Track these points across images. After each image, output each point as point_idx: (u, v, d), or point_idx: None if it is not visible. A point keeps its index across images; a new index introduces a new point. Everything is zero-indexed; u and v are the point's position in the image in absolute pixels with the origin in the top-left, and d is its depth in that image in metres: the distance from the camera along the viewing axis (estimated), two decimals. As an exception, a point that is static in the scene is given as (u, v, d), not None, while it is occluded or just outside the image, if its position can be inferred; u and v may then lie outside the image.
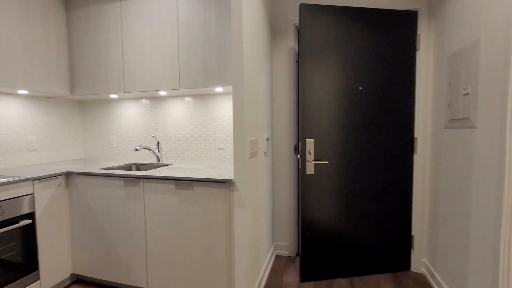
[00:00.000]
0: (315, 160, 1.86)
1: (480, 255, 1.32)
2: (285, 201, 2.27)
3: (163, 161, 2.29)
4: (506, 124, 1.12)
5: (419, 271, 2.01)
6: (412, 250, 2.02)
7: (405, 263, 2.02)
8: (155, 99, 2.35)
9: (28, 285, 1.61)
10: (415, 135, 1.95)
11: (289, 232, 2.28)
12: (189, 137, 2.29)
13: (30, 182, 1.63)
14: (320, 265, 1.93)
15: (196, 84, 1.85)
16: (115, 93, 2.07)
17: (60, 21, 2.09)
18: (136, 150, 2.02)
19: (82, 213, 1.84)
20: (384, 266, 2.00)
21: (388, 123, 1.91)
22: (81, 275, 1.94)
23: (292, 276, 1.97)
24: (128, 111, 2.44)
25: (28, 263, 1.62)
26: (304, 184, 1.87)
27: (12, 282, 1.53)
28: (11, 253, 1.54)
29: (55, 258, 1.78)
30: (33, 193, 1.65)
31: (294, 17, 2.15)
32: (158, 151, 2.27)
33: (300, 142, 1.86)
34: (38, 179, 1.67)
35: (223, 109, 2.18)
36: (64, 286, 1.88)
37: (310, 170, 1.86)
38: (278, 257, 2.26)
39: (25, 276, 1.60)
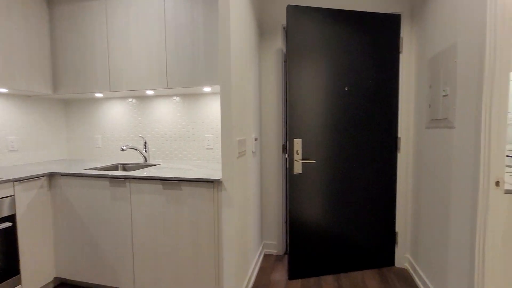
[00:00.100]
0: (302, 159, 1.89)
1: (458, 250, 1.38)
2: (274, 200, 2.29)
3: (151, 161, 2.27)
4: (481, 124, 1.18)
5: (403, 267, 2.08)
6: (396, 246, 2.08)
7: (389, 259, 2.08)
8: (142, 98, 2.32)
9: (8, 290, 1.56)
10: (399, 135, 2.02)
11: (277, 231, 2.30)
12: (177, 137, 2.27)
13: (11, 183, 1.58)
14: (308, 263, 1.96)
15: (184, 83, 1.84)
16: (100, 92, 2.03)
17: (42, 18, 2.03)
18: (123, 150, 1.99)
19: (66, 215, 1.80)
20: (369, 262, 2.05)
21: (373, 123, 1.97)
22: (65, 279, 1.89)
23: (280, 274, 1.99)
24: (114, 110, 2.40)
25: (9, 267, 1.57)
26: (292, 183, 1.89)
27: (-9, 287, 1.48)
28: (-10, 257, 1.49)
29: (37, 262, 1.73)
30: (13, 195, 1.59)
31: (282, 18, 2.17)
32: (145, 151, 2.24)
33: (288, 142, 1.88)
34: (19, 180, 1.62)
35: (212, 109, 2.18)
36: (47, 290, 1.83)
37: (297, 169, 1.88)
38: (266, 256, 2.28)
39: (5, 280, 1.55)
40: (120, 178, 1.66)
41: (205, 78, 1.80)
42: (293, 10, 1.82)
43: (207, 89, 1.95)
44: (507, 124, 1.17)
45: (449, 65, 1.46)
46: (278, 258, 2.25)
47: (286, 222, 2.33)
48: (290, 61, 1.84)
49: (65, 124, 2.54)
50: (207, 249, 1.54)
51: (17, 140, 2.13)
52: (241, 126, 1.65)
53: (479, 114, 1.19)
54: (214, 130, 2.19)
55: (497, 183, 1.16)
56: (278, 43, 2.20)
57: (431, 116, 1.69)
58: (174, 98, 2.25)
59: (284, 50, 2.25)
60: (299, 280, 1.94)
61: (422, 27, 1.83)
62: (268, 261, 2.19)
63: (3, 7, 1.78)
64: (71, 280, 1.88)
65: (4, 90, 1.90)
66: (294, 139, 1.87)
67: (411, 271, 1.98)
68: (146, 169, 1.84)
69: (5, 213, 1.55)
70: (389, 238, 2.06)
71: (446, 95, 1.49)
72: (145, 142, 2.24)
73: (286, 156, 2.24)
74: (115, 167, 2.15)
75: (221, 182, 1.49)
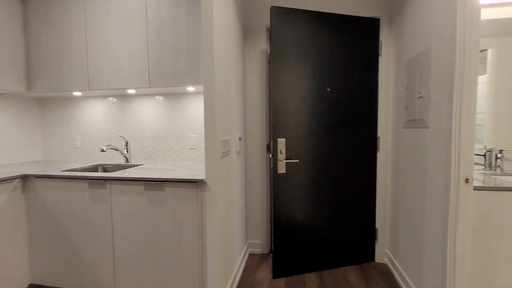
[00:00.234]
0: (286, 159, 1.92)
1: (432, 244, 1.45)
2: (258, 200, 2.31)
3: (132, 162, 2.22)
4: (452, 125, 1.25)
5: (382, 261, 2.16)
6: (376, 242, 2.16)
7: (370, 255, 2.16)
8: (123, 97, 2.26)
9: (-23, 300, 1.48)
10: (378, 135, 2.09)
11: (262, 230, 2.32)
12: (160, 137, 2.23)
13: (-20, 186, 1.49)
14: (292, 261, 1.99)
15: (167, 83, 1.81)
16: (78, 90, 1.96)
17: (15, 11, 1.93)
18: (103, 150, 1.93)
19: (42, 219, 1.72)
20: (351, 258, 2.11)
21: (354, 123, 2.03)
22: (41, 285, 1.81)
23: (265, 273, 2.01)
24: (94, 109, 2.32)
25: (-22, 275, 1.48)
26: (276, 183, 1.91)
27: (-42, 297, 1.39)
28: (-43, 265, 1.40)
29: (10, 268, 1.64)
30: (-17, 199, 1.51)
31: (266, 19, 2.19)
32: (127, 151, 2.19)
33: (272, 142, 1.90)
34: (-11, 183, 1.53)
35: (195, 109, 2.16)
36: (20, 298, 1.74)
37: (281, 168, 1.91)
38: (251, 255, 2.29)
39: (-27, 289, 1.46)
40: (100, 179, 1.61)
41: (188, 77, 1.78)
42: (276, 11, 1.84)
43: (190, 88, 1.93)
44: (475, 125, 1.24)
45: (424, 69, 1.54)
46: (263, 257, 2.27)
47: (270, 221, 2.35)
48: (274, 61, 1.86)
49: (41, 124, 2.43)
50: (191, 250, 1.53)
51: (-13, 141, 2.01)
52: (225, 126, 1.65)
53: (450, 116, 1.26)
54: (198, 130, 2.17)
55: (467, 180, 1.23)
56: (262, 44, 2.21)
57: (407, 117, 1.77)
58: (157, 97, 2.21)
59: (268, 51, 2.27)
60: (283, 278, 1.96)
61: (399, 31, 1.91)
62: (253, 261, 2.20)
63: (-29, -1, 1.68)
64: (47, 287, 1.80)
65: (-28, 88, 1.79)
66: (278, 139, 1.89)
67: (390, 266, 2.06)
68: (127, 170, 1.80)
69: (-26, 218, 1.47)
70: (370, 234, 2.14)
71: (421, 97, 1.56)
72: (127, 142, 2.18)
73: (270, 155, 2.26)
74: (94, 168, 2.08)
75: (204, 182, 1.48)
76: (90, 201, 1.64)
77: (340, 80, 1.98)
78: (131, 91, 2.05)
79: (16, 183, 1.68)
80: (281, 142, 1.89)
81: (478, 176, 1.60)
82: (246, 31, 2.24)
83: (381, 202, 2.13)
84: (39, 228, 1.73)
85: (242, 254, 2.13)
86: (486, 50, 1.76)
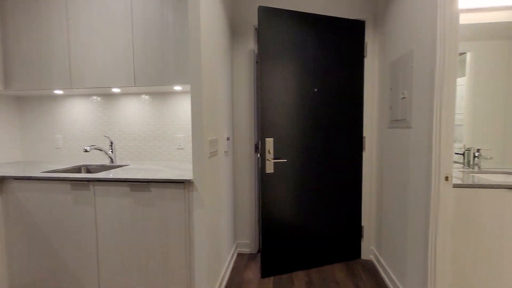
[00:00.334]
0: (274, 158, 1.93)
1: (415, 240, 1.50)
2: (246, 200, 2.31)
3: (118, 162, 2.16)
4: (433, 125, 1.29)
5: (368, 258, 2.21)
6: (362, 239, 2.21)
7: (356, 252, 2.20)
8: (108, 96, 2.20)
9: (-50, 309, 1.40)
10: (364, 134, 2.14)
11: (250, 229, 2.32)
12: (146, 137, 2.19)
13: (-48, 189, 1.42)
14: (280, 260, 2.00)
15: (153, 81, 1.78)
16: (60, 89, 1.89)
17: (-9, 6, 1.84)
18: (86, 151, 1.88)
19: (21, 223, 1.65)
20: (338, 256, 2.15)
21: (341, 123, 2.06)
22: (20, 291, 1.74)
23: (253, 273, 2.01)
24: (77, 108, 2.25)
25: (-50, 283, 1.41)
26: (264, 182, 1.92)
27: None
28: None
29: (-14, 275, 1.57)
30: (-45, 202, 1.43)
31: (254, 19, 2.19)
32: (112, 151, 2.13)
33: (260, 141, 1.90)
34: (-37, 185, 1.45)
35: (183, 108, 2.14)
36: (-2, 305, 1.66)
37: (269, 168, 1.91)
38: (240, 255, 2.29)
39: None
40: (83, 180, 1.56)
41: (175, 76, 1.75)
42: (264, 11, 1.84)
43: (177, 87, 1.90)
44: (454, 125, 1.29)
45: (407, 70, 1.58)
46: (251, 257, 2.27)
47: (259, 220, 2.36)
48: (262, 61, 1.86)
49: (19, 123, 2.33)
50: (178, 251, 1.51)
51: (-40, 141, 1.91)
52: (213, 125, 1.64)
53: (431, 116, 1.31)
54: (185, 129, 2.15)
55: (447, 178, 1.28)
56: (250, 44, 2.21)
57: (391, 117, 1.82)
58: (143, 96, 2.17)
59: (256, 51, 2.27)
60: (272, 277, 1.97)
61: (384, 34, 1.96)
62: (242, 260, 2.20)
63: None
64: (27, 293, 1.73)
65: None
66: (266, 138, 1.90)
67: (375, 262, 2.11)
68: (112, 170, 1.75)
69: None
70: (356, 232, 2.18)
71: (404, 98, 1.61)
72: (111, 142, 2.13)
73: (258, 155, 2.26)
74: (77, 169, 2.01)
75: (192, 182, 1.47)
76: (73, 203, 1.59)
77: (327, 80, 2.01)
78: (116, 90, 2.00)
79: (-7, 186, 1.61)
80: (269, 141, 1.90)
81: (458, 174, 1.67)
82: (235, 31, 2.23)
83: (366, 200, 2.18)
84: (18, 232, 1.66)
85: (231, 254, 2.13)
86: (465, 53, 1.84)
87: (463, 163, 1.82)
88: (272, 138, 1.91)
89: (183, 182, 1.47)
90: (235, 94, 2.27)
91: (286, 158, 1.96)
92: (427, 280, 1.35)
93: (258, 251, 2.36)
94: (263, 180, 1.92)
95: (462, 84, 1.86)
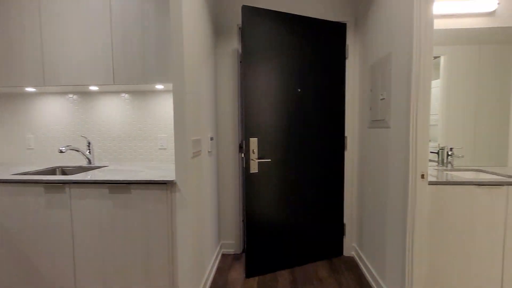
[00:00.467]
0: (258, 158, 1.93)
1: (393, 236, 1.56)
2: (231, 200, 2.30)
3: (96, 163, 2.08)
4: (409, 125, 1.35)
5: (350, 255, 2.27)
6: (344, 237, 2.26)
7: (339, 249, 2.25)
8: (85, 94, 2.11)
9: None
10: (346, 134, 2.19)
11: (235, 230, 2.31)
12: (126, 137, 2.12)
13: None
14: (265, 260, 2.01)
15: (133, 80, 1.72)
16: (32, 86, 1.79)
17: (-47, -5, 1.71)
18: (61, 151, 1.79)
19: (-12, 228, 1.54)
20: (321, 254, 2.19)
21: (323, 123, 2.10)
22: (-12, 302, 1.63)
23: (237, 273, 2.01)
24: (51, 107, 2.14)
25: None
26: (248, 182, 1.92)
27: None
28: None
29: None
30: None
31: (238, 18, 2.18)
32: (89, 152, 2.05)
33: (244, 141, 1.90)
34: None
35: (165, 107, 2.09)
36: (-38, 318, 1.55)
37: (254, 168, 1.91)
38: (224, 256, 2.27)
39: None
40: (58, 183, 1.48)
41: (156, 74, 1.71)
42: (248, 11, 1.84)
43: (159, 86, 1.86)
44: (430, 125, 1.35)
45: (385, 72, 1.64)
46: (236, 257, 2.26)
47: (243, 221, 2.35)
48: (245, 61, 1.86)
49: (-13, 122, 2.17)
50: (161, 254, 1.47)
51: None
52: (196, 125, 1.62)
53: (408, 116, 1.36)
54: (168, 129, 2.10)
55: (422, 176, 1.34)
56: (234, 43, 2.20)
57: (371, 117, 1.88)
58: (123, 95, 2.09)
59: (240, 50, 2.26)
60: (256, 277, 1.97)
61: (364, 36, 2.02)
62: (226, 261, 2.18)
63: None
64: (-5, 303, 1.62)
65: None
66: (250, 138, 1.90)
67: (357, 259, 2.17)
68: (90, 172, 1.68)
69: None
70: (338, 229, 2.23)
71: (383, 99, 1.67)
72: (89, 143, 2.04)
73: (243, 155, 2.26)
74: (52, 171, 1.91)
75: (175, 183, 1.44)
76: (47, 207, 1.50)
77: (309, 80, 2.04)
78: (93, 88, 1.92)
79: (-44, 189, 1.49)
80: (254, 141, 1.90)
81: (433, 172, 1.75)
82: (218, 30, 2.21)
83: (348, 198, 2.24)
84: (-15, 239, 1.55)
85: (215, 255, 2.11)
86: (439, 57, 1.93)
87: (437, 162, 1.91)
88: (256, 138, 1.91)
89: (165, 183, 1.44)
90: (219, 93, 2.25)
91: (270, 157, 1.97)
92: (405, 273, 1.40)
93: (243, 251, 2.35)
94: (247, 180, 1.91)
95: (436, 86, 1.95)
